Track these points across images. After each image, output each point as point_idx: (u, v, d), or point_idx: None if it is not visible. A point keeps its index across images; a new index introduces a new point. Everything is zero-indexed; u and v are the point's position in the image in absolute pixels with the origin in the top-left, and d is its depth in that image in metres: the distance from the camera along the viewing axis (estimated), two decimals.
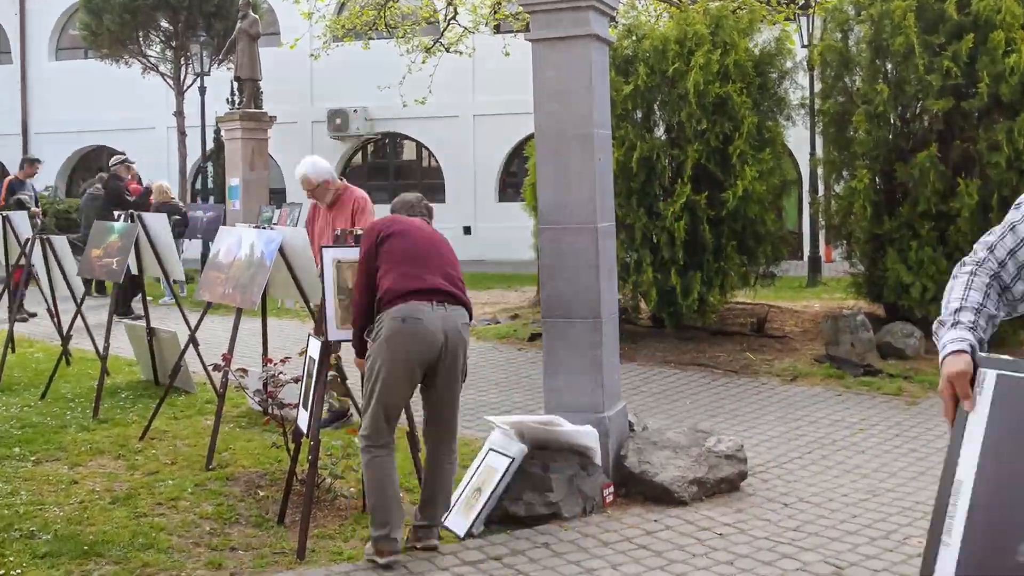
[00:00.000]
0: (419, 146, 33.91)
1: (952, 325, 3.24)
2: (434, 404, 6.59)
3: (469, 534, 6.87)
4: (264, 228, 9.01)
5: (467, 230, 31.80)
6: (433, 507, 6.63)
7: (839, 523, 7.16)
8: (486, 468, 7.27)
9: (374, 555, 6.28)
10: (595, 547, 6.70)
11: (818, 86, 15.09)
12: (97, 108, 34.43)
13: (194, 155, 30.82)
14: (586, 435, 7.45)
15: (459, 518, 7.07)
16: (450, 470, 6.68)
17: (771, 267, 14.47)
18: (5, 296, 13.17)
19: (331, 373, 7.76)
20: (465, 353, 6.56)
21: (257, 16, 26.19)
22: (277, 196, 29.91)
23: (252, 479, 7.95)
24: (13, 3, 36.19)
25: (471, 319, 6.64)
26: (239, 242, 8.98)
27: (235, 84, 26.43)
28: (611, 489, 7.54)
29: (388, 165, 35.25)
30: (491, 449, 7.41)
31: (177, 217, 19.24)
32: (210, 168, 30.15)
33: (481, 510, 7.00)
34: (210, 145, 29.36)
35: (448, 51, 21.38)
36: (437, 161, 33.05)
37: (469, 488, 7.25)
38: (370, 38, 22.90)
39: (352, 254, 6.83)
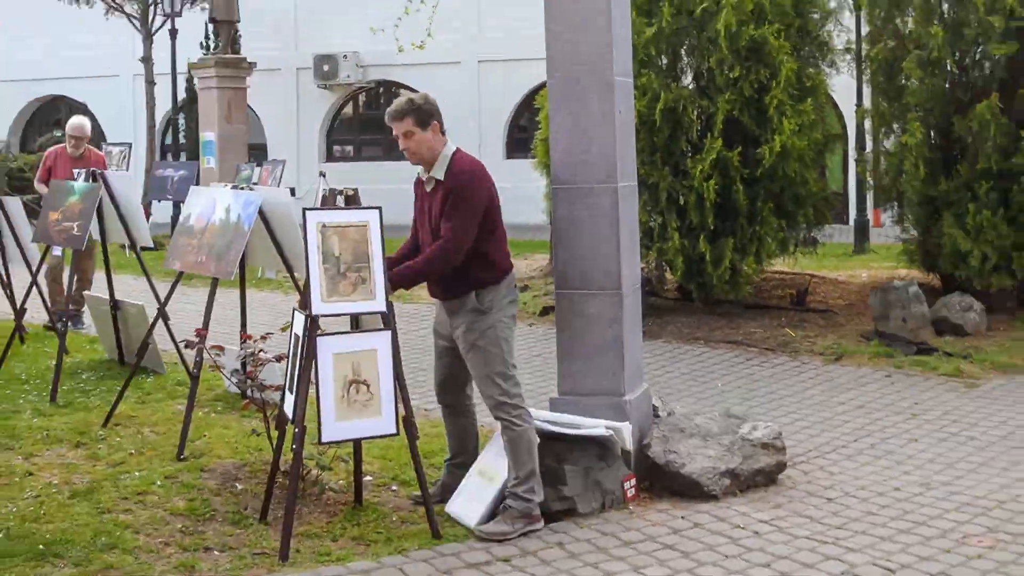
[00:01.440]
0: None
1: None
2: None
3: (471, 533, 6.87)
4: (242, 189, 8.99)
5: None
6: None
7: (889, 520, 7.15)
8: (495, 458, 7.26)
9: (531, 524, 6.90)
10: (615, 547, 6.69)
11: (865, 29, 15.10)
12: (55, 53, 34.42)
13: (164, 106, 30.80)
14: (607, 439, 7.46)
15: (467, 505, 7.07)
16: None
17: (813, 232, 14.46)
18: None
19: None
20: None
21: None
22: (257, 153, 29.95)
23: (229, 471, 7.94)
24: None
25: None
26: (213, 204, 8.96)
27: (210, 27, 26.44)
28: (633, 482, 7.52)
29: (382, 117, 35.10)
30: (500, 438, 7.38)
31: None
32: (181, 121, 30.15)
33: (488, 505, 7.00)
34: (182, 95, 29.35)
35: None
36: None
37: (476, 473, 7.26)
38: None
39: (339, 217, 6.79)
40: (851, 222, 23.95)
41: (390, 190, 25.80)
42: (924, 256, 14.05)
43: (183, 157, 28.80)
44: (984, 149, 12.82)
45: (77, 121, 14.44)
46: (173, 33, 28.13)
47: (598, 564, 6.42)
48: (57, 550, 6.46)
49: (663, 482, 7.64)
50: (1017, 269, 12.91)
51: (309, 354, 6.64)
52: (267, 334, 8.01)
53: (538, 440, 7.08)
